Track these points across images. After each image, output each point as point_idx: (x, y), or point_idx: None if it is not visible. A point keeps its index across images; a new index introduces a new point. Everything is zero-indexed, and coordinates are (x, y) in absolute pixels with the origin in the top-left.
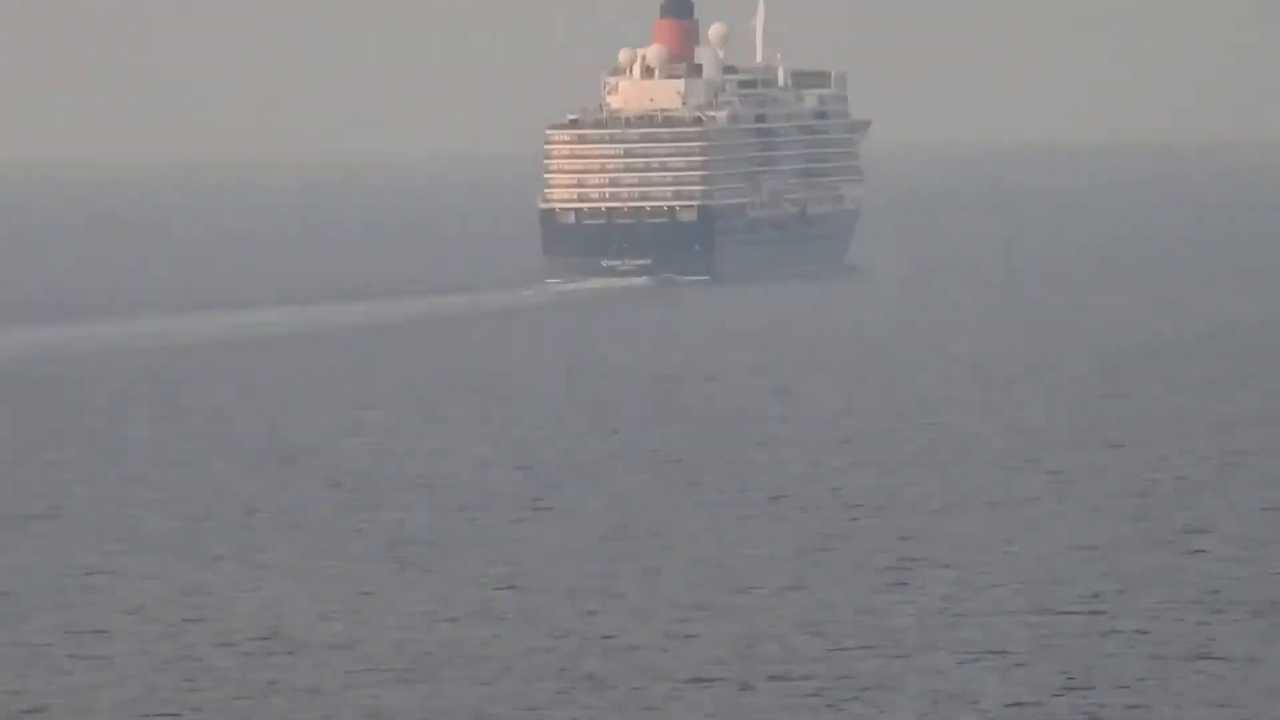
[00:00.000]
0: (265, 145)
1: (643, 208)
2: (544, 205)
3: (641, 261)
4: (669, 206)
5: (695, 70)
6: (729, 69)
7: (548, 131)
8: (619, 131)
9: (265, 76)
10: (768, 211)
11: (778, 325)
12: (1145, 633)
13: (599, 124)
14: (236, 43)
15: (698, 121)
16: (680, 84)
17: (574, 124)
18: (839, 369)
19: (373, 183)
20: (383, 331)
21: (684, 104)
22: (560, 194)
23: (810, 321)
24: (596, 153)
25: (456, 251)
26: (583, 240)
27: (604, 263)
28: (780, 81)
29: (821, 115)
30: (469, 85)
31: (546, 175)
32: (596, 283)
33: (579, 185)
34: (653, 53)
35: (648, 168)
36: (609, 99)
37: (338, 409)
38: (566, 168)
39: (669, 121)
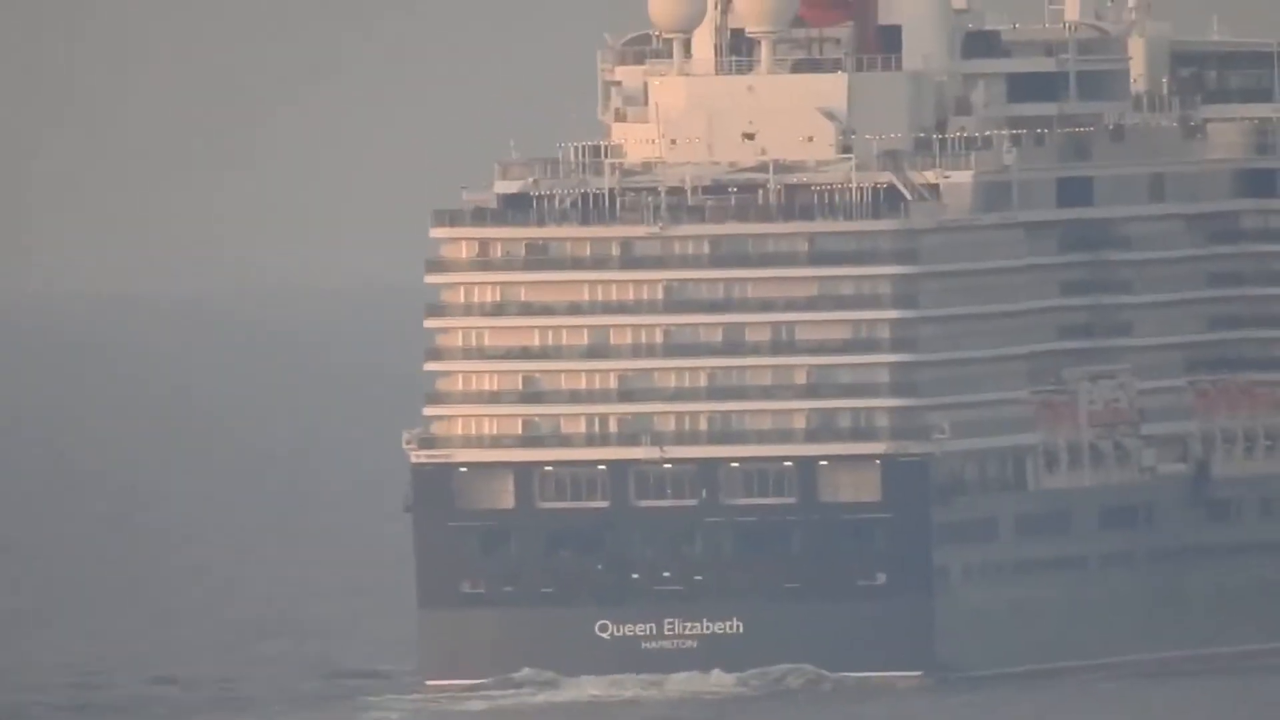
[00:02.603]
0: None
1: (723, 463)
2: (419, 456)
3: (715, 624)
4: (794, 461)
5: (879, 44)
6: (978, 37)
7: (434, 235)
8: (648, 235)
9: None
10: (1095, 474)
11: None
12: None
13: (584, 209)
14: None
15: (893, 205)
16: (839, 85)
17: (509, 209)
18: None
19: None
20: None
21: (840, 147)
22: (469, 424)
23: None
24: (577, 296)
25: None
26: (535, 562)
27: (601, 626)
28: (1140, 81)
29: (1261, 184)
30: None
31: (429, 369)
32: (579, 686)
33: (527, 398)
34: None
35: (736, 346)
36: (615, 131)
37: None
38: (488, 346)
39: (795, 205)
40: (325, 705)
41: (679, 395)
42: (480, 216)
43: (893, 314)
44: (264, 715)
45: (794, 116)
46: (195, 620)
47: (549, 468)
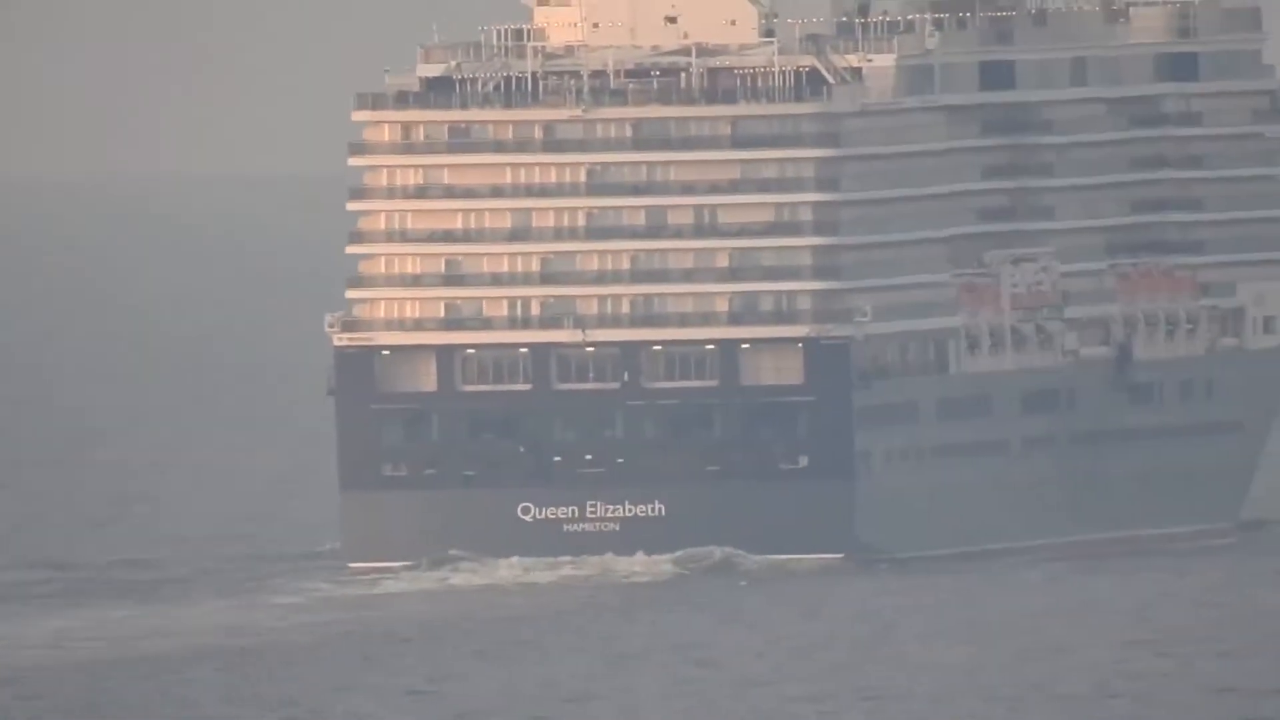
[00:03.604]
0: None
1: (645, 346)
2: (341, 339)
3: (637, 507)
4: (716, 344)
5: None
6: None
7: (356, 118)
8: (570, 119)
9: None
10: (1017, 357)
11: None
12: None
13: (507, 92)
14: None
15: (815, 89)
16: None
17: (432, 92)
18: None
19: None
20: None
21: (762, 31)
22: (391, 307)
23: None
24: (500, 179)
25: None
26: (457, 445)
27: (523, 509)
28: None
29: (1183, 68)
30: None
31: (351, 251)
32: (495, 569)
33: (450, 280)
34: None
35: (658, 229)
36: (538, 15)
37: None
38: (411, 229)
39: (718, 89)
40: (244, 588)
41: (601, 278)
42: (403, 100)
43: (815, 197)
44: (182, 598)
45: (716, 0)
46: (115, 504)
47: (471, 350)
